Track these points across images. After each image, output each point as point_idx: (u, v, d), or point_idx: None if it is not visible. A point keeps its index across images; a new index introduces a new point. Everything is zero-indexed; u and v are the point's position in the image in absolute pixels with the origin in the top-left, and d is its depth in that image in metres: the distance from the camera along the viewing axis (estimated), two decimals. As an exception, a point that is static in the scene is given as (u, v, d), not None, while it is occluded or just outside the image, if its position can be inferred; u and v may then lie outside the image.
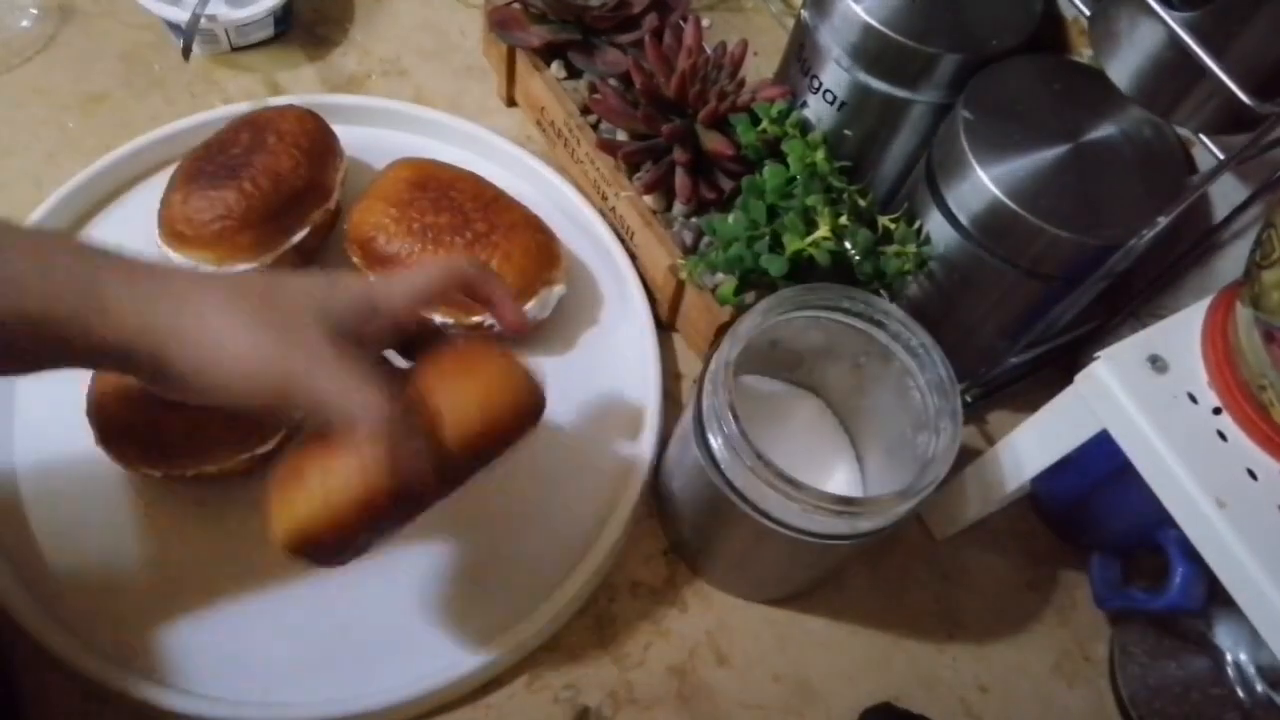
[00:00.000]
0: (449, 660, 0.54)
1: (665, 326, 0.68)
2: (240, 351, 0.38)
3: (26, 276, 0.37)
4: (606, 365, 0.66)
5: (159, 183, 0.64)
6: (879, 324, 0.53)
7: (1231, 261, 0.57)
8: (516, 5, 0.71)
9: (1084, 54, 0.61)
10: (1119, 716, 0.60)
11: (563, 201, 0.71)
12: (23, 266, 0.37)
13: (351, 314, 0.42)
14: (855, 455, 0.62)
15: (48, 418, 0.58)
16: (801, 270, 0.58)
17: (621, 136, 0.67)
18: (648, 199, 0.66)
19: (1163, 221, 0.48)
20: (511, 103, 0.77)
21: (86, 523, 0.56)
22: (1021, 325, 0.58)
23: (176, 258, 0.61)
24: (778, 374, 0.63)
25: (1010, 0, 0.59)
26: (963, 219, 0.56)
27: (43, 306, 0.37)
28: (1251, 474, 0.44)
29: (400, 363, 0.48)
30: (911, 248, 0.58)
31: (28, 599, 0.53)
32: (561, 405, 0.64)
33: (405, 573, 0.57)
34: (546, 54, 0.71)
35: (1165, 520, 0.46)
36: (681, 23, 0.67)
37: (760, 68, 0.76)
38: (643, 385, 0.64)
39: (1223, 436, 0.45)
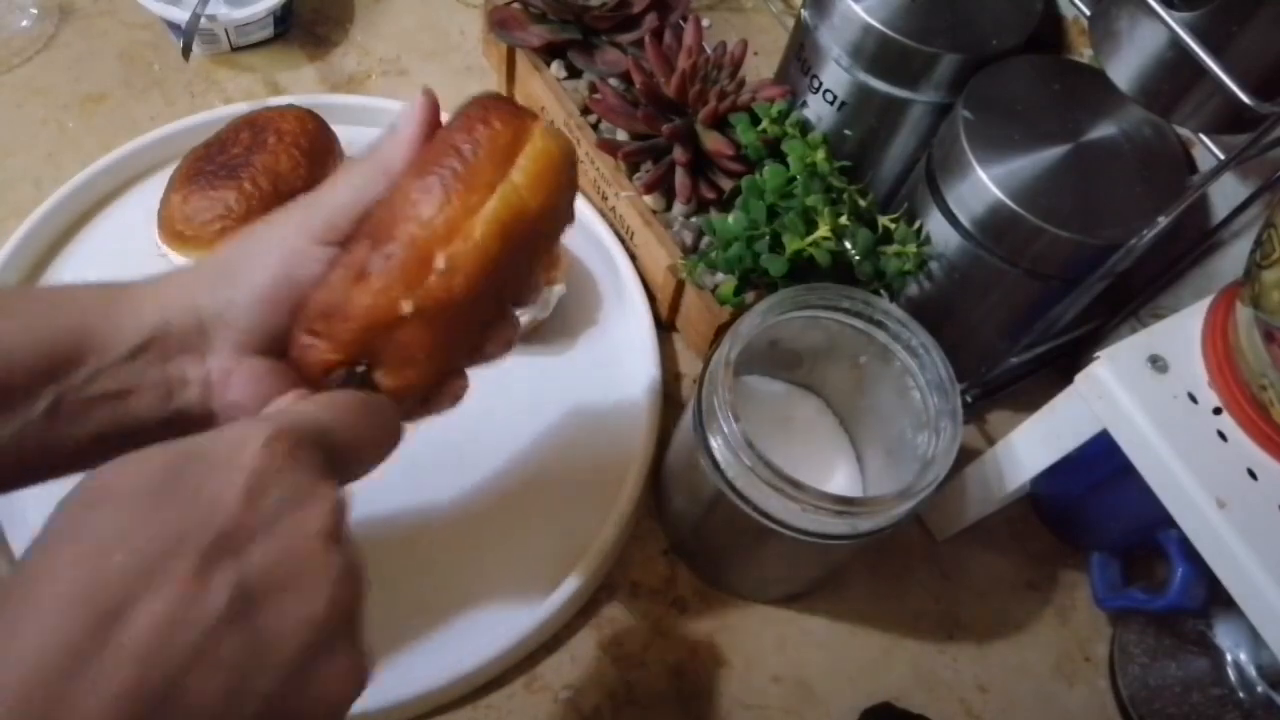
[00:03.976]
0: (449, 660, 0.54)
1: (665, 326, 0.68)
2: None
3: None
4: (606, 365, 0.66)
5: (159, 183, 0.64)
6: (879, 324, 0.53)
7: (1231, 261, 0.57)
8: (516, 5, 0.71)
9: (1084, 54, 0.61)
10: (1119, 717, 0.60)
11: (563, 201, 0.71)
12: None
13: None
14: (855, 455, 0.62)
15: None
16: (801, 270, 0.58)
17: (621, 136, 0.67)
18: (648, 199, 0.66)
19: (1163, 221, 0.48)
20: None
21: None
22: (1021, 325, 0.58)
23: (176, 258, 0.61)
24: (778, 374, 0.63)
25: (1010, 0, 0.59)
26: (963, 219, 0.56)
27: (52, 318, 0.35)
28: (1252, 474, 0.44)
29: None
30: (912, 248, 0.58)
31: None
32: (561, 405, 0.64)
33: (404, 574, 0.57)
34: (546, 54, 0.71)
35: (1165, 520, 0.46)
36: (681, 23, 0.67)
37: (760, 68, 0.76)
38: (643, 385, 0.64)
39: (1223, 436, 0.45)
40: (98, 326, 0.35)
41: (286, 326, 0.37)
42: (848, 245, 0.58)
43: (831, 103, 0.62)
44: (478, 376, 0.41)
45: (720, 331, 0.62)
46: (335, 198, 0.36)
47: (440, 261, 0.34)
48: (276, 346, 0.37)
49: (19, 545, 0.55)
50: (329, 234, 0.36)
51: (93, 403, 0.35)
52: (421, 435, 0.40)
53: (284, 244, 0.36)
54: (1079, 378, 0.48)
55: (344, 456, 0.32)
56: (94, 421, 0.35)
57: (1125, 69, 0.46)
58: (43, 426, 0.34)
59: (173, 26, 0.73)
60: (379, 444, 0.34)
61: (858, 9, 0.56)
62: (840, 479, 0.61)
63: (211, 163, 0.61)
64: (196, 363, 0.36)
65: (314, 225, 0.36)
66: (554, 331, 0.66)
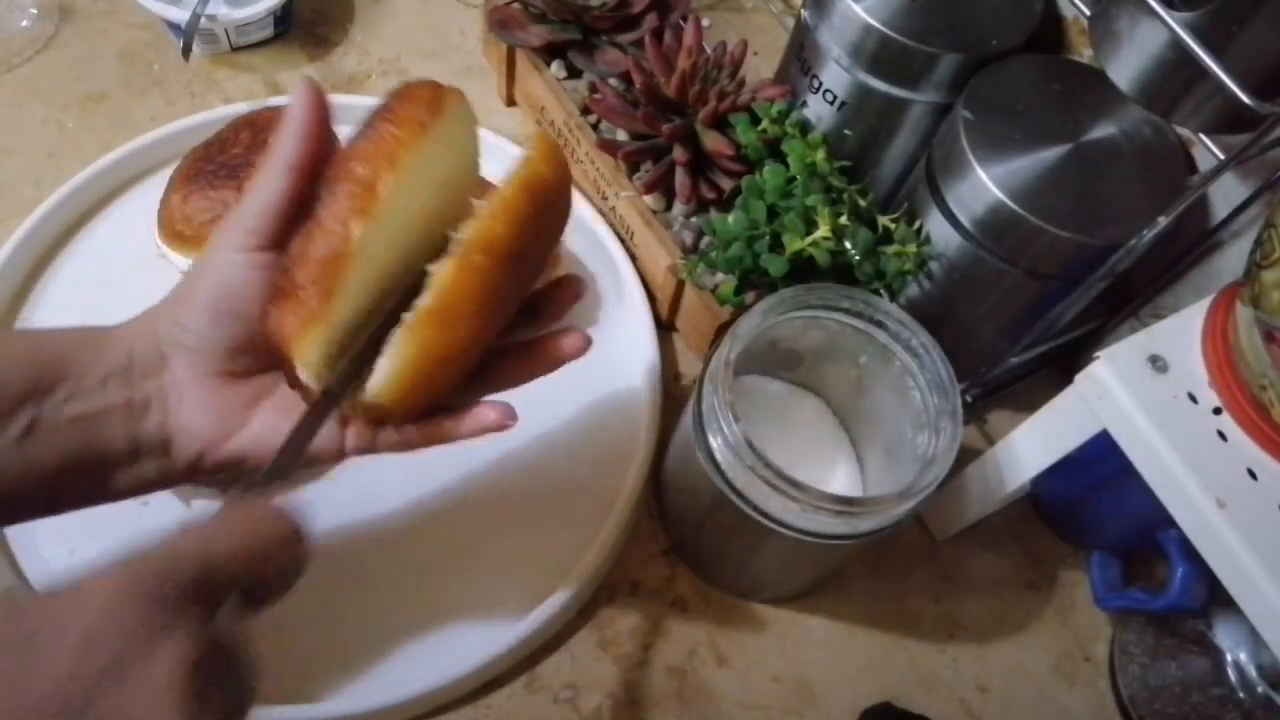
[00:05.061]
0: (449, 660, 0.54)
1: (665, 326, 0.68)
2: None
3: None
4: (606, 365, 0.66)
5: (158, 183, 0.64)
6: (879, 324, 0.53)
7: (1231, 261, 0.57)
8: (516, 5, 0.71)
9: (1084, 54, 0.61)
10: (1119, 717, 0.60)
11: (563, 201, 0.71)
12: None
13: None
14: (855, 455, 0.62)
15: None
16: (801, 270, 0.58)
17: (621, 136, 0.67)
18: (648, 199, 0.66)
19: (1163, 221, 0.48)
20: (511, 103, 0.77)
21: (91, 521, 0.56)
22: (1021, 325, 0.58)
23: (176, 258, 0.61)
24: (778, 374, 0.63)
25: (1010, 0, 0.59)
26: (963, 219, 0.56)
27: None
28: (1252, 474, 0.44)
29: None
30: (911, 248, 0.58)
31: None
32: (561, 405, 0.64)
33: (404, 573, 0.57)
34: (546, 54, 0.71)
35: (1165, 520, 0.46)
36: (681, 23, 0.67)
37: (760, 68, 0.76)
38: (643, 385, 0.64)
39: (1223, 436, 0.45)
40: (77, 357, 0.38)
41: (238, 335, 0.39)
42: (848, 245, 0.58)
43: (831, 103, 0.62)
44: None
45: (720, 331, 0.62)
46: (248, 206, 0.39)
47: (480, 206, 0.37)
48: (234, 362, 0.40)
49: (27, 564, 0.55)
50: (249, 239, 0.38)
51: (65, 425, 0.37)
52: (421, 435, 0.40)
53: (215, 259, 0.39)
54: (1079, 378, 0.48)
55: (230, 585, 0.31)
56: (65, 444, 0.37)
57: (1125, 69, 0.46)
58: (16, 450, 0.36)
59: (173, 26, 0.73)
60: (273, 556, 0.33)
61: (858, 9, 0.56)
62: (840, 479, 0.61)
63: (211, 163, 0.61)
64: (156, 384, 0.40)
65: (235, 236, 0.39)
66: (554, 331, 0.66)
